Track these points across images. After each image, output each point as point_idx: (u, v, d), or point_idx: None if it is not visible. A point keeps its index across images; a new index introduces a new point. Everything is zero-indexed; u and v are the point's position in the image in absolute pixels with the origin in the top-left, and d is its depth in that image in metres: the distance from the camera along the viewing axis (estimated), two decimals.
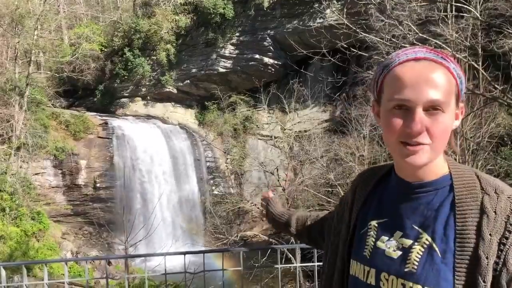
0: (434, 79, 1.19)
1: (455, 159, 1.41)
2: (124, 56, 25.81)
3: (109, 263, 17.83)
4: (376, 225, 1.37)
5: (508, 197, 1.20)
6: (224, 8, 24.13)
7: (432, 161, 1.25)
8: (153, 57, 26.16)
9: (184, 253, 2.63)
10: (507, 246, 1.15)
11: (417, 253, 1.23)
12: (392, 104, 1.22)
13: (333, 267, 1.53)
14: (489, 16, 10.55)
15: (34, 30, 22.28)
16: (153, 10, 26.07)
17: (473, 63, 9.06)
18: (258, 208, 20.55)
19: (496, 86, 8.57)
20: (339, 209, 1.64)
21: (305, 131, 22.04)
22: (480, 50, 11.09)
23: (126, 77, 26.15)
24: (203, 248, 19.10)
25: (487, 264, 1.14)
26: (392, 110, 1.22)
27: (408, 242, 1.27)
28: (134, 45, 25.95)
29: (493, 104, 11.26)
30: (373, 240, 1.35)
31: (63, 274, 2.86)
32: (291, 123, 23.08)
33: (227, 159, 24.80)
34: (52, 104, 24.51)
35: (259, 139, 24.81)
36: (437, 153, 1.24)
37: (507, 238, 1.15)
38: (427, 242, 1.23)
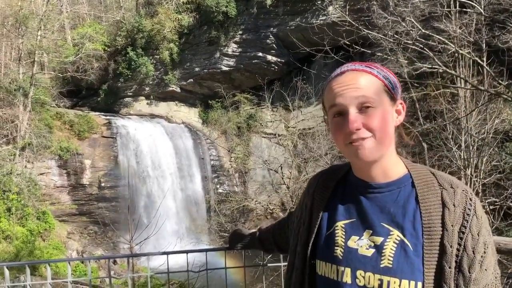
0: (356, 83, 1.36)
1: (408, 153, 1.54)
2: (127, 55, 25.86)
3: (115, 262, 17.91)
4: (343, 225, 1.45)
5: (463, 191, 1.36)
6: (226, 7, 24.12)
7: (383, 156, 1.39)
8: (156, 56, 26.20)
9: (187, 252, 2.63)
10: (466, 234, 1.30)
11: (391, 249, 1.33)
12: (331, 113, 1.41)
13: (292, 268, 1.60)
14: (493, 11, 10.48)
15: (37, 30, 22.35)
16: (155, 9, 26.10)
17: (477, 59, 9.02)
18: (262, 206, 20.56)
19: (500, 82, 8.52)
20: (298, 212, 1.69)
21: (309, 128, 21.99)
22: (484, 45, 11.04)
23: (129, 76, 26.20)
24: (206, 247, 19.14)
25: (452, 252, 1.29)
26: (333, 119, 1.40)
27: (379, 239, 1.36)
28: (137, 44, 26.00)
29: (497, 100, 11.20)
30: (343, 240, 1.42)
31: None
32: (295, 120, 23.06)
33: (231, 157, 24.81)
34: (56, 104, 24.57)
35: (263, 137, 24.80)
36: (383, 145, 1.36)
37: (465, 227, 1.31)
38: (399, 238, 1.33)
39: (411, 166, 1.45)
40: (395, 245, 1.33)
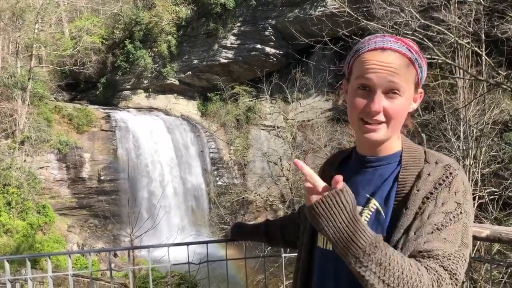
0: (395, 67, 1.33)
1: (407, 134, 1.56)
2: (125, 48, 25.77)
3: (115, 255, 17.97)
4: None
5: (444, 166, 1.35)
6: None
7: (388, 139, 1.42)
8: (154, 49, 26.12)
9: (187, 244, 2.64)
10: (429, 201, 1.28)
11: (366, 216, 1.38)
12: (358, 83, 1.37)
13: (301, 248, 1.67)
14: (492, 1, 10.45)
15: (34, 24, 22.24)
16: (153, 1, 25.98)
17: (476, 49, 9.00)
18: (262, 198, 20.61)
19: (499, 72, 8.51)
20: None
21: (308, 120, 21.99)
22: (483, 36, 11.01)
23: (127, 69, 26.13)
24: (207, 239, 19.20)
25: (406, 213, 1.29)
26: (357, 89, 1.38)
27: (359, 208, 1.40)
28: (135, 37, 25.90)
29: (496, 90, 11.19)
30: None
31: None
32: (294, 112, 23.05)
33: (231, 149, 24.82)
34: (55, 98, 24.52)
35: (262, 129, 24.80)
36: (393, 132, 1.40)
37: (431, 194, 1.29)
38: (375, 207, 1.38)
39: (407, 143, 1.48)
40: (370, 213, 1.37)
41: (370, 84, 1.34)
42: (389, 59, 1.34)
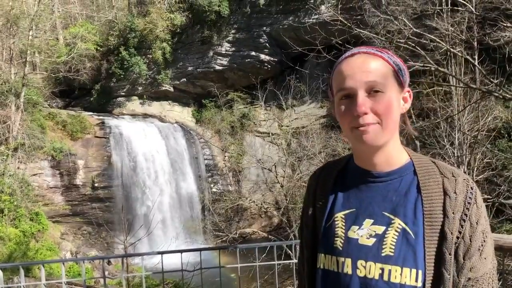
0: (367, 65, 1.34)
1: (412, 140, 1.53)
2: (120, 55, 25.77)
3: (109, 263, 17.85)
4: (343, 216, 1.43)
5: (464, 179, 1.36)
6: (219, 6, 24.11)
7: (387, 143, 1.38)
8: (149, 55, 26.13)
9: (181, 251, 2.64)
10: (465, 222, 1.32)
11: (392, 237, 1.32)
12: (339, 95, 1.37)
13: (302, 264, 1.59)
14: (484, 9, 10.56)
15: (29, 30, 22.21)
16: (148, 8, 26.03)
17: (468, 57, 9.08)
18: (256, 205, 20.58)
19: (491, 79, 8.58)
20: (304, 219, 1.65)
21: (303, 127, 22.05)
22: (475, 43, 11.12)
23: (122, 76, 26.10)
24: (201, 246, 19.11)
25: (452, 239, 1.30)
26: (340, 101, 1.37)
27: (381, 228, 1.35)
28: (129, 44, 25.91)
29: (489, 98, 11.28)
30: (343, 231, 1.41)
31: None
32: (288, 119, 23.09)
33: (225, 156, 24.79)
34: (49, 105, 24.42)
35: (256, 136, 24.81)
36: (389, 131, 1.36)
37: (466, 215, 1.32)
38: (400, 226, 1.33)
39: (413, 155, 1.45)
40: (397, 234, 1.32)
41: (350, 90, 1.34)
42: (359, 61, 1.36)
